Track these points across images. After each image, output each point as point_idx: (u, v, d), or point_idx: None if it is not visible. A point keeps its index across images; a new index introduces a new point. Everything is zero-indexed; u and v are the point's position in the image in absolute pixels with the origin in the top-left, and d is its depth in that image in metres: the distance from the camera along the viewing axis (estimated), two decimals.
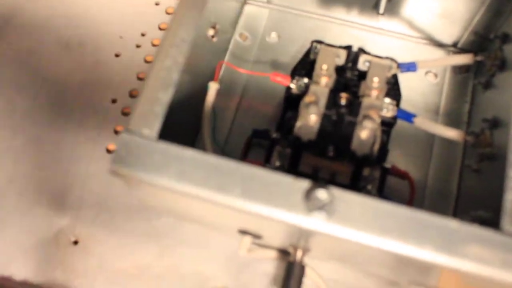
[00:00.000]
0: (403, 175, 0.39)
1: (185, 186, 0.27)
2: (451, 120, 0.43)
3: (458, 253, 0.25)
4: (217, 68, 0.40)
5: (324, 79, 0.38)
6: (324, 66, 0.38)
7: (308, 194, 0.26)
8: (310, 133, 0.36)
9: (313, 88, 0.38)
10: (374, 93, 0.37)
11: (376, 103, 0.37)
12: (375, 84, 0.37)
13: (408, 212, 0.26)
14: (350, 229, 0.26)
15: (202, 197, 0.27)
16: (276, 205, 0.27)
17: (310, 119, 0.36)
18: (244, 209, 0.27)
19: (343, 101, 0.37)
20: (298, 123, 0.36)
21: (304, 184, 0.27)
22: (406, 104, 0.42)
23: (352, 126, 0.36)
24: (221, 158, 0.28)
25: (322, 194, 0.26)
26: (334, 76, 0.38)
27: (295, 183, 0.27)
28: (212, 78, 0.40)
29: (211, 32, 0.39)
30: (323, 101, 0.37)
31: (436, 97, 0.44)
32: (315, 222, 0.26)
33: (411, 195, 0.39)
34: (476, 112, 0.42)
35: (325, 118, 0.36)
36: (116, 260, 0.41)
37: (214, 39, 0.40)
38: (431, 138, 0.42)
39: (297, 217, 0.26)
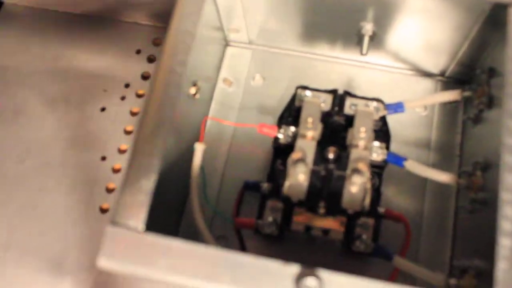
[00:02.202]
0: (397, 218, 0.39)
1: (175, 278, 0.27)
2: (443, 154, 0.43)
3: None
4: (202, 125, 0.40)
5: (310, 133, 0.37)
6: (309, 119, 0.37)
7: (298, 281, 0.26)
8: (299, 192, 0.35)
9: (299, 142, 0.37)
10: (361, 143, 0.37)
11: (364, 154, 0.36)
12: (362, 134, 0.37)
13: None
14: None
15: None
16: None
17: (299, 178, 0.35)
18: None
19: (331, 155, 0.36)
20: (287, 183, 0.36)
21: (293, 269, 0.27)
22: (396, 139, 0.42)
23: (342, 180, 0.36)
24: (208, 247, 0.27)
25: (311, 282, 0.26)
26: (320, 127, 0.38)
27: (284, 268, 0.27)
28: (198, 133, 0.39)
29: (192, 90, 0.38)
30: (310, 156, 0.36)
31: (427, 129, 0.44)
32: None
33: (406, 237, 0.39)
34: (468, 146, 0.41)
35: (313, 174, 0.36)
36: None
37: (197, 96, 0.39)
38: None
39: None
